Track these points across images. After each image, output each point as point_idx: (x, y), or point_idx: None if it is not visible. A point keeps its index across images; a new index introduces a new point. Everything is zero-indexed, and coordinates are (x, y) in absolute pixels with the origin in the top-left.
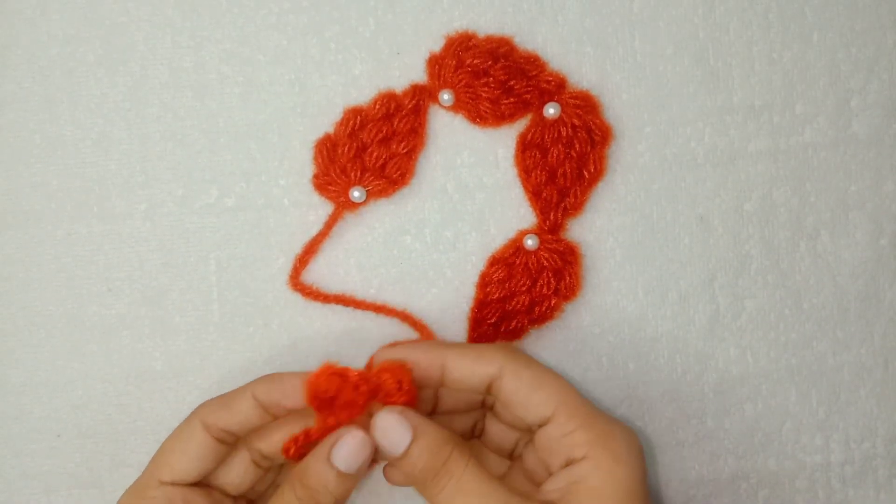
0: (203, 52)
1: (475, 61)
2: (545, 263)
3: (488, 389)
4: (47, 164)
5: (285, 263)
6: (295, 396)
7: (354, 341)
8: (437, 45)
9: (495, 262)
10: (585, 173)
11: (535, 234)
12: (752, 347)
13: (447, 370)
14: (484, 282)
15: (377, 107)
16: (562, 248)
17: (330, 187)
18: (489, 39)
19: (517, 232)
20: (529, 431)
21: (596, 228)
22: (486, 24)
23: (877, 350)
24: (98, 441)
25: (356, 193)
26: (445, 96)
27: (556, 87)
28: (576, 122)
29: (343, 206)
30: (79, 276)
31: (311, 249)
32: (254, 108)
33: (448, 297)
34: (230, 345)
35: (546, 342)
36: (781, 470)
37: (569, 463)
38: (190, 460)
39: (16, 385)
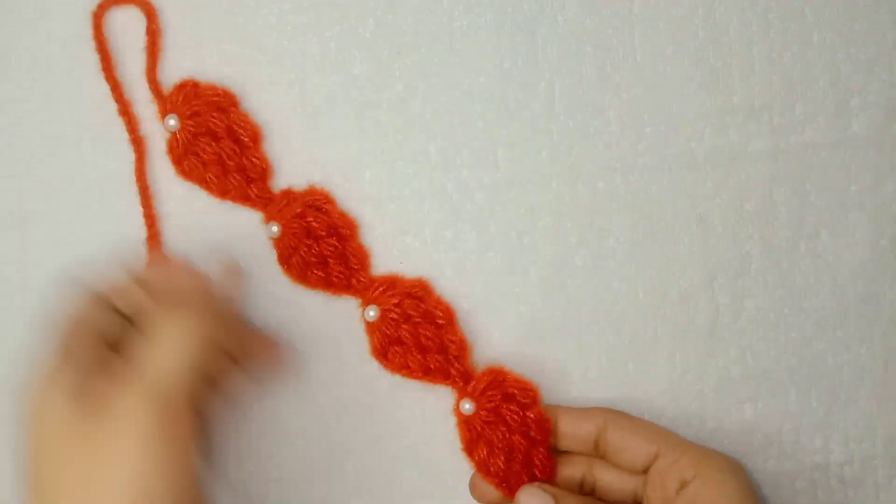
0: (203, 52)
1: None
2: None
3: (594, 447)
4: (47, 165)
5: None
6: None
7: (353, 339)
8: (437, 45)
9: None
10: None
11: (467, 398)
12: (752, 347)
13: (558, 428)
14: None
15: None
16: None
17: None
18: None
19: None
20: (642, 474)
21: (596, 228)
22: (485, 24)
23: (877, 350)
24: None
25: (171, 122)
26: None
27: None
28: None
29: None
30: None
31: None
32: (254, 108)
33: (448, 297)
34: None
35: (547, 343)
36: (781, 470)
37: (682, 486)
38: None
39: (16, 385)
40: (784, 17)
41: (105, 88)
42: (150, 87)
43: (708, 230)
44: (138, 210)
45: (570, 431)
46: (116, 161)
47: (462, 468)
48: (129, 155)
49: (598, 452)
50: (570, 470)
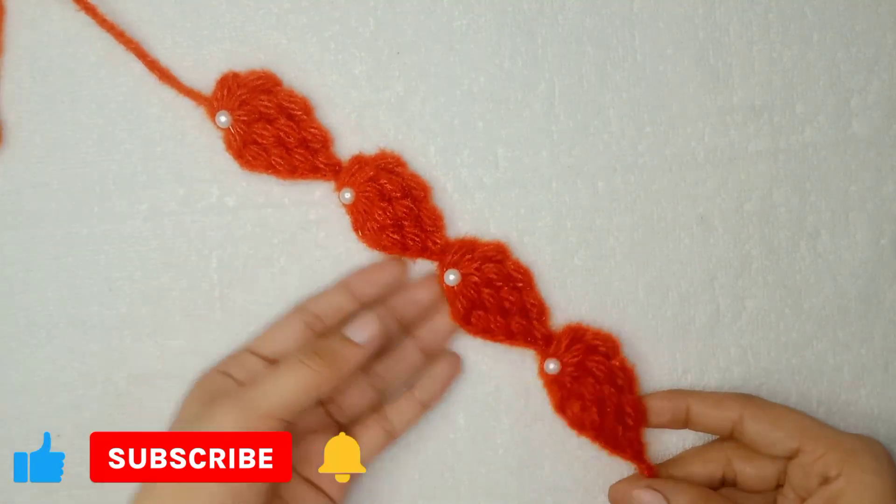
0: (203, 52)
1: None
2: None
3: (731, 433)
4: (48, 165)
5: (286, 262)
6: (379, 283)
7: None
8: (437, 45)
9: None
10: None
11: (553, 358)
12: (753, 347)
13: (691, 414)
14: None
15: None
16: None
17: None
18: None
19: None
20: (783, 464)
21: (596, 228)
22: (485, 24)
23: (877, 350)
24: None
25: (222, 118)
26: (348, 193)
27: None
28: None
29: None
30: (80, 277)
31: None
32: None
33: None
34: (231, 344)
35: None
36: None
37: (825, 481)
38: (285, 339)
39: (16, 385)
40: (784, 17)
41: (105, 89)
42: (187, 94)
43: (708, 230)
44: (138, 210)
45: (704, 413)
46: (117, 161)
47: (462, 468)
48: (130, 155)
49: (734, 438)
50: (711, 468)
